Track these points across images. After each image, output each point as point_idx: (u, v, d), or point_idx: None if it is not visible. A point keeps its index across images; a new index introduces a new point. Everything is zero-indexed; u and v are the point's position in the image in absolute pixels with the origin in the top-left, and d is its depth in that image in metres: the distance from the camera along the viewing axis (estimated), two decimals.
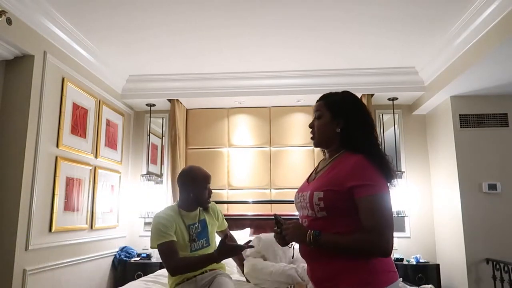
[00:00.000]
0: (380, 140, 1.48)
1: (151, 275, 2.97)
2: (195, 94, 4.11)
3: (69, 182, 3.19)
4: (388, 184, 1.34)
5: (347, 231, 1.30)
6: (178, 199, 2.33)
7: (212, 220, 2.37)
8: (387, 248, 1.25)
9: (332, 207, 1.33)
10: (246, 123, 4.41)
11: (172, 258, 2.04)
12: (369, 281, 1.26)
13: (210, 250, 2.25)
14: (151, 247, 2.13)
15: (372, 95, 4.01)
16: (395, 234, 3.99)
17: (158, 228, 2.09)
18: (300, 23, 2.97)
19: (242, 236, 3.68)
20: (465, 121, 3.63)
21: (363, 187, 1.29)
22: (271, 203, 4.17)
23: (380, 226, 1.25)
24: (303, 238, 1.34)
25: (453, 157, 3.61)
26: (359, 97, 4.33)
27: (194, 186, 2.23)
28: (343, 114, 1.45)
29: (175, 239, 2.10)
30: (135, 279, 3.03)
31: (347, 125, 1.43)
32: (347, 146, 1.43)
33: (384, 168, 1.33)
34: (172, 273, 2.08)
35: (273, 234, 1.48)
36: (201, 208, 2.32)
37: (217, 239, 2.31)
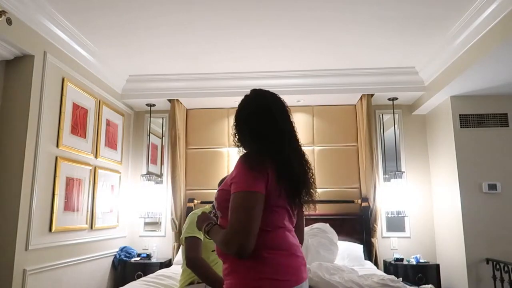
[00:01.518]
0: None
1: (151, 275, 2.97)
2: (195, 94, 4.11)
3: (69, 182, 3.19)
4: (268, 181, 1.28)
5: None
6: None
7: None
8: (234, 246, 1.20)
9: (222, 206, 1.35)
10: None
11: (195, 250, 2.13)
12: (249, 285, 1.24)
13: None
14: (179, 242, 2.17)
15: (372, 95, 4.01)
16: (395, 234, 4.04)
17: (191, 223, 2.18)
18: (300, 23, 2.97)
19: None
20: (465, 121, 3.64)
21: (232, 185, 1.29)
22: None
23: (231, 224, 1.22)
24: (203, 228, 1.41)
25: (453, 157, 3.61)
26: (359, 97, 4.34)
27: None
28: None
29: (202, 238, 2.16)
30: (135, 279, 3.03)
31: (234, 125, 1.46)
32: None
33: (255, 166, 1.27)
34: (187, 262, 2.14)
35: None
36: None
37: None
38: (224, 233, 1.25)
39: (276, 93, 1.49)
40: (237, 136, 1.44)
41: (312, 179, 1.41)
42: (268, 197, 1.27)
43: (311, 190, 1.40)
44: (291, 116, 1.47)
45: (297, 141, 1.44)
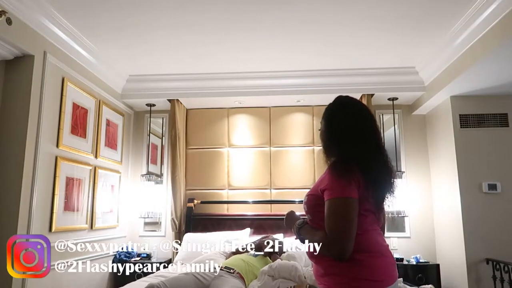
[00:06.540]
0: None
1: (151, 275, 2.97)
2: (195, 94, 4.11)
3: (69, 182, 3.19)
4: (360, 186, 1.32)
5: None
6: None
7: None
8: (336, 250, 1.27)
9: (313, 211, 1.40)
10: (246, 123, 4.41)
11: None
12: (347, 285, 1.30)
13: None
14: None
15: (372, 95, 4.01)
16: (395, 234, 4.04)
17: None
18: (300, 23, 2.97)
19: (242, 236, 3.69)
20: (465, 121, 3.63)
21: (325, 192, 1.34)
22: (271, 203, 4.16)
23: (331, 229, 1.29)
24: (292, 225, 1.45)
25: (453, 157, 3.61)
26: (359, 97, 4.35)
27: None
28: (322, 121, 1.54)
29: None
30: (135, 279, 3.03)
31: (323, 132, 1.51)
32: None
33: (345, 173, 1.32)
34: None
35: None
36: None
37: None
38: (322, 237, 1.31)
39: (359, 100, 1.52)
40: (324, 143, 1.50)
41: (394, 181, 1.47)
42: (358, 202, 1.32)
43: (392, 191, 1.47)
44: (376, 122, 1.48)
45: (381, 145, 1.46)
